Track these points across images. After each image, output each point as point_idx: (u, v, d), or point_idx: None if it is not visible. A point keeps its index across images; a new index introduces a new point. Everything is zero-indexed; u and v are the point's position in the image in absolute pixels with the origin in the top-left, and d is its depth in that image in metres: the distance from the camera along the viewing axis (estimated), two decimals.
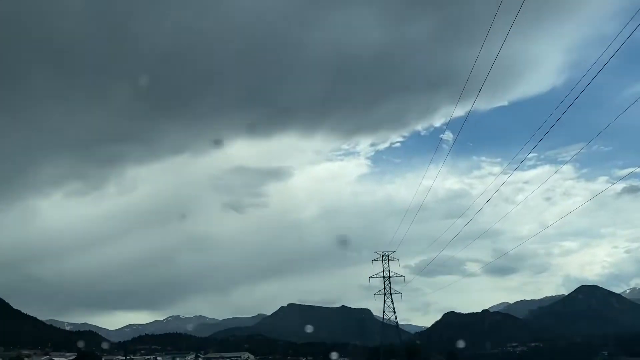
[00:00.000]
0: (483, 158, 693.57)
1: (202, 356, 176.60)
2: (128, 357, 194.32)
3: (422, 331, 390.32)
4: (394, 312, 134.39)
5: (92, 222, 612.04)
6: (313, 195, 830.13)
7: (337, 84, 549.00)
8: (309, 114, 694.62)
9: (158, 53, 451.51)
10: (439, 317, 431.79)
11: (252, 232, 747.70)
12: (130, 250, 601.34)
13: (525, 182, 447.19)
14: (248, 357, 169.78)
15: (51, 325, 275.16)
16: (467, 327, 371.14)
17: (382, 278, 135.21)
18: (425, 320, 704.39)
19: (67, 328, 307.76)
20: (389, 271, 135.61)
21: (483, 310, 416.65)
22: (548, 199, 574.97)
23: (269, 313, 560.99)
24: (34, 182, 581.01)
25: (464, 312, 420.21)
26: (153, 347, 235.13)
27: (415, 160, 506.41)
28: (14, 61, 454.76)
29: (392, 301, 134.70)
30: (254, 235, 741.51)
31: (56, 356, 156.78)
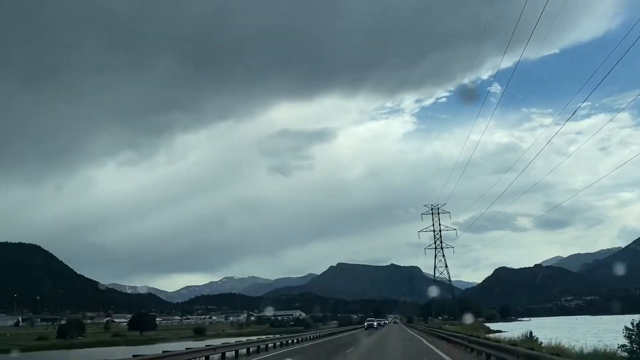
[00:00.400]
0: (533, 109, 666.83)
1: (255, 314, 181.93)
2: (184, 317, 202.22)
3: (472, 287, 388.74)
4: (446, 266, 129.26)
5: (145, 190, 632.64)
6: (358, 155, 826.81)
7: (378, 40, 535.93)
8: (350, 73, 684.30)
9: (198, 18, 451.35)
10: (489, 273, 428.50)
11: (299, 194, 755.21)
12: (183, 216, 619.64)
13: (579, 133, 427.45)
14: (300, 314, 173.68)
15: (112, 288, 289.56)
16: (519, 282, 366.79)
17: (432, 232, 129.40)
18: (475, 276, 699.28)
19: (128, 291, 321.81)
20: (439, 224, 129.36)
21: (535, 265, 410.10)
22: (603, 149, 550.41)
23: (318, 273, 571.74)
24: (89, 152, 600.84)
25: (516, 267, 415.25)
26: (209, 307, 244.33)
27: (462, 115, 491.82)
28: (64, 35, 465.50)
29: (443, 255, 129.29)
30: (301, 197, 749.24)
31: (117, 317, 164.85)
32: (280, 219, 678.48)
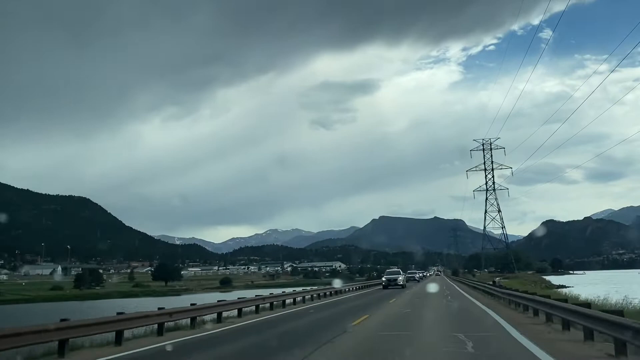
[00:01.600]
0: (587, 56, 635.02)
1: (296, 265, 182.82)
2: (224, 268, 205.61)
3: (519, 240, 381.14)
4: (499, 211, 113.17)
5: (190, 145, 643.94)
6: (402, 107, 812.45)
7: None
8: (394, 22, 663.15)
9: None
10: (536, 225, 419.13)
11: (341, 148, 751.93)
12: (227, 170, 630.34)
13: (636, 80, 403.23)
14: (340, 266, 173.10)
15: (159, 239, 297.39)
16: (567, 235, 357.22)
17: (484, 171, 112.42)
18: (522, 229, 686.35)
19: (177, 242, 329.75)
20: (492, 162, 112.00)
21: (585, 218, 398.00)
22: None
23: (361, 226, 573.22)
24: (134, 108, 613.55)
25: (564, 220, 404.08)
26: (251, 257, 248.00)
27: (511, 64, 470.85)
28: None
29: (495, 199, 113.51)
30: (343, 151, 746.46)
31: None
32: (322, 173, 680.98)
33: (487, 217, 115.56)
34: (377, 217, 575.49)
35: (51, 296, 76.86)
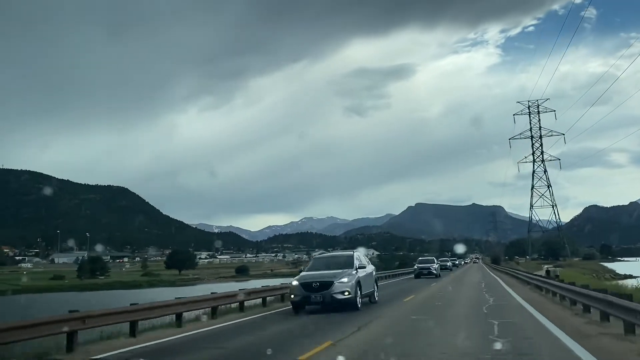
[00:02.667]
0: (633, 34, 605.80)
1: (327, 253, 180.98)
2: (253, 255, 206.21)
3: (560, 226, 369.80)
4: (549, 186, 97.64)
5: (226, 134, 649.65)
6: (439, 92, 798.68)
7: None
8: (428, 4, 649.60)
9: None
10: (578, 211, 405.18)
11: (376, 135, 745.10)
12: (263, 158, 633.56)
13: None
14: (373, 253, 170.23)
15: (196, 227, 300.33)
16: (611, 221, 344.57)
17: (530, 139, 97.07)
18: (564, 215, 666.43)
19: (215, 231, 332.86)
20: (540, 128, 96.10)
21: (630, 203, 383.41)
22: None
23: (396, 213, 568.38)
24: (171, 99, 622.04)
25: (607, 205, 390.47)
26: (285, 245, 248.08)
27: (551, 45, 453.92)
28: None
29: (545, 171, 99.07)
30: (378, 138, 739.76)
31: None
32: (357, 160, 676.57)
33: (534, 194, 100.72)
34: (412, 204, 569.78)
35: (44, 286, 69.49)
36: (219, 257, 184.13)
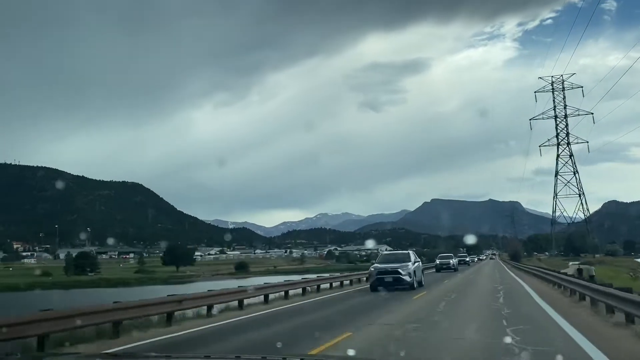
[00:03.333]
0: None
1: (341, 249, 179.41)
2: (266, 251, 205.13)
3: (578, 222, 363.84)
4: (575, 173, 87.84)
5: (241, 130, 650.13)
6: (455, 86, 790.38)
7: None
8: None
9: None
10: (597, 207, 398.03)
11: (391, 130, 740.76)
12: (278, 154, 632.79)
13: None
14: (386, 249, 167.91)
15: (209, 224, 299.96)
16: (630, 217, 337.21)
17: (554, 119, 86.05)
18: (582, 211, 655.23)
19: (231, 227, 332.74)
20: (565, 107, 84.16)
21: None
22: None
23: (412, 209, 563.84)
24: (186, 95, 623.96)
25: (627, 201, 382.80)
26: (299, 241, 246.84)
27: (570, 38, 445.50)
28: None
29: (571, 155, 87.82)
30: (393, 133, 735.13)
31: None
32: (372, 156, 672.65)
33: (557, 182, 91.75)
34: (428, 200, 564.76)
35: (23, 284, 63.53)
36: (229, 252, 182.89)
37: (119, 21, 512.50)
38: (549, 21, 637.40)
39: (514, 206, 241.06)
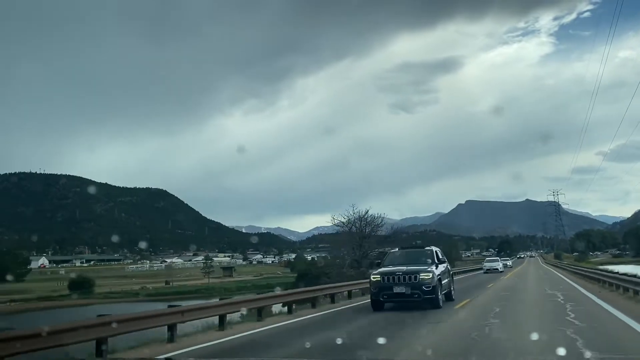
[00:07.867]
0: None
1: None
2: (285, 254, 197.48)
3: (620, 221, 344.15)
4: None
5: (271, 136, 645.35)
6: (488, 85, 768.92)
7: None
8: None
9: None
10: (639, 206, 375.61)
11: (423, 131, 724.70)
12: (308, 159, 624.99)
13: None
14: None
15: (233, 229, 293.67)
16: None
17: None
18: (624, 210, 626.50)
19: (264, 232, 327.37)
20: None
21: None
22: None
23: (446, 211, 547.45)
24: (217, 103, 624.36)
25: None
26: (321, 245, 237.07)
27: (609, 30, 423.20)
28: None
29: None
30: (426, 134, 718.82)
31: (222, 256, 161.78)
32: (404, 158, 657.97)
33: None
34: (463, 202, 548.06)
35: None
36: (217, 258, 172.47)
37: (150, 31, 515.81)
38: (587, 14, 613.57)
39: (553, 205, 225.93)
